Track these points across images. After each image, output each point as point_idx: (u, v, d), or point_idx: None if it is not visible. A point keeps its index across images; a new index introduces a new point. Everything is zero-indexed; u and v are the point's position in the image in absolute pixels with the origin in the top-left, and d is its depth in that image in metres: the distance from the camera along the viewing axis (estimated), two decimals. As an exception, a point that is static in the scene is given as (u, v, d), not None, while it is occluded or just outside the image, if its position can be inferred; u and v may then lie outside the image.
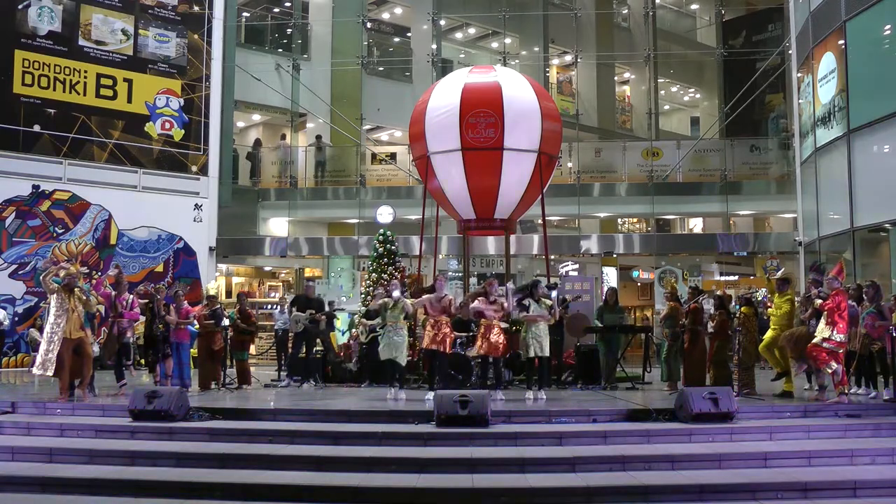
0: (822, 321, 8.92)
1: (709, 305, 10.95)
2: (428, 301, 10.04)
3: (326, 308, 12.45)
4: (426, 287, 12.12)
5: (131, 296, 11.15)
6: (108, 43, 17.89)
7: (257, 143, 22.49)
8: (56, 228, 16.80)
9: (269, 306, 18.43)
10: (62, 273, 10.00)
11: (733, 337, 10.41)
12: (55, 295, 9.72)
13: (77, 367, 9.76)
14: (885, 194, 13.34)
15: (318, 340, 12.48)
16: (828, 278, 9.23)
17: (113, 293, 10.86)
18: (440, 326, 9.92)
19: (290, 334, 12.55)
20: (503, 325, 10.36)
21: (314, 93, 21.29)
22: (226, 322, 11.62)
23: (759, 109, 23.40)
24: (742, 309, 10.38)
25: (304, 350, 12.20)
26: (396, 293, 10.13)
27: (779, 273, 10.48)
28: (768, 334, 10.03)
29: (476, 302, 10.18)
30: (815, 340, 8.88)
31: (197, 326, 11.59)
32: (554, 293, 11.03)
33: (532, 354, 10.03)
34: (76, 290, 9.80)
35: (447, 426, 7.82)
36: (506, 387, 11.16)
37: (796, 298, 10.24)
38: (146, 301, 11.44)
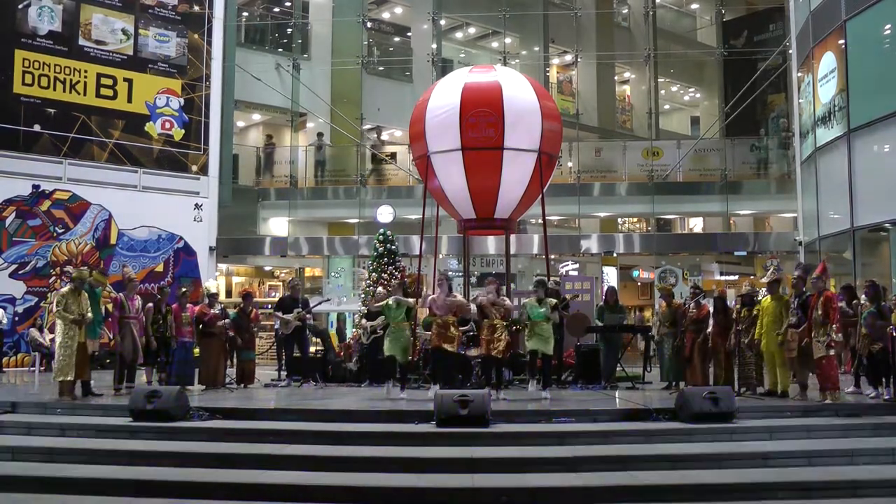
0: (817, 326, 8.92)
1: (693, 305, 10.85)
2: (433, 301, 10.02)
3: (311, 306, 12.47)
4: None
5: (139, 297, 11.10)
6: (108, 43, 17.88)
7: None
8: (56, 228, 16.79)
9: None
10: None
11: (734, 336, 10.38)
12: (65, 299, 9.73)
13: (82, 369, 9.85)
14: (885, 194, 13.34)
15: (316, 340, 12.46)
16: (812, 278, 9.24)
17: (121, 294, 10.83)
18: (447, 326, 9.91)
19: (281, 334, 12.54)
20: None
21: (314, 92, 21.27)
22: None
23: (759, 109, 23.39)
24: (744, 309, 10.35)
25: (298, 350, 12.20)
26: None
27: (768, 275, 10.36)
28: (764, 341, 9.97)
29: (480, 299, 10.16)
30: (821, 352, 8.88)
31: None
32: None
33: (533, 347, 9.98)
34: (84, 293, 9.85)
35: (447, 426, 7.80)
36: (506, 387, 11.15)
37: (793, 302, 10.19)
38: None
